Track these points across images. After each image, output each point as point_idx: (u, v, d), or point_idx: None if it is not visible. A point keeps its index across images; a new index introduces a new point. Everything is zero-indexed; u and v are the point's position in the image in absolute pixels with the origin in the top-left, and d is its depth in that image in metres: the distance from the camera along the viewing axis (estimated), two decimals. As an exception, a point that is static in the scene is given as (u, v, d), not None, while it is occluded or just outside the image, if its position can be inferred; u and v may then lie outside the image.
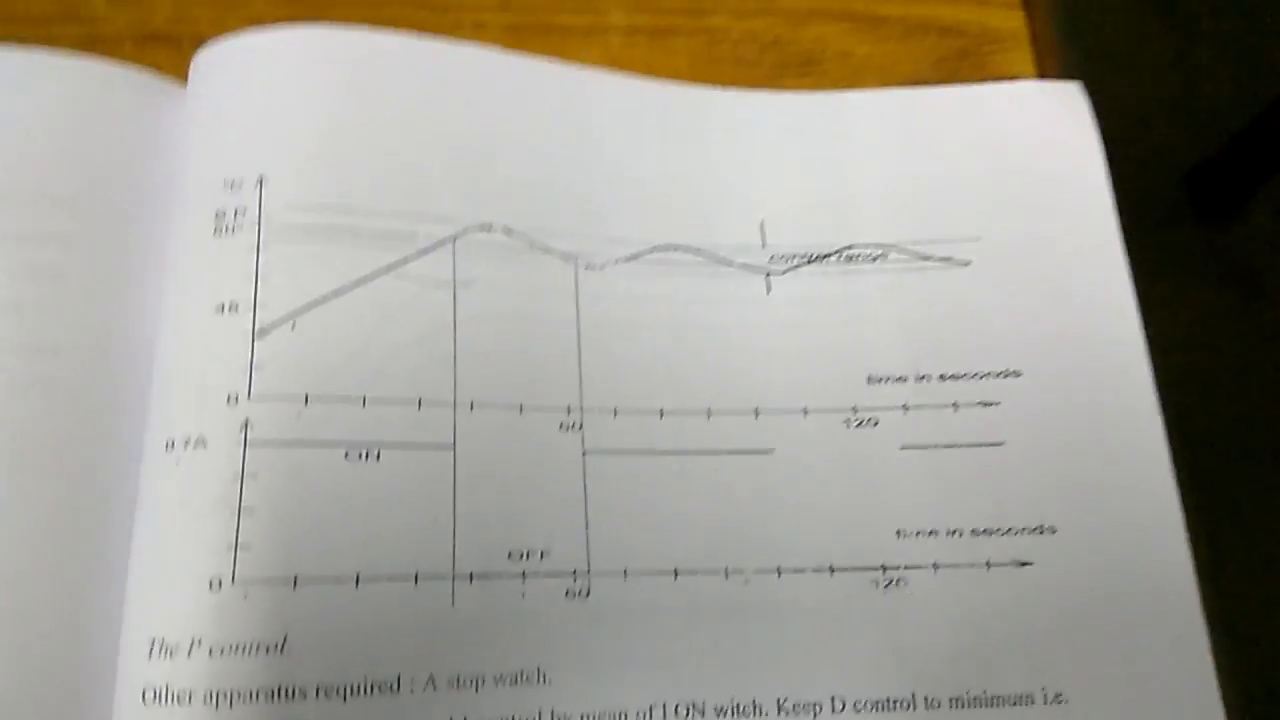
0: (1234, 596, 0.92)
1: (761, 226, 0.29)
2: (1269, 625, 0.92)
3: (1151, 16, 1.18)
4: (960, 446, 0.27)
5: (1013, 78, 0.31)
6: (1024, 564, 0.26)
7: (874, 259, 0.29)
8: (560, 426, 0.26)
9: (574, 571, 0.25)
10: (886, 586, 0.26)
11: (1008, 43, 0.31)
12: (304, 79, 0.28)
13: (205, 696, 0.22)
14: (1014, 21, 0.31)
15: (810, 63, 0.31)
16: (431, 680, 0.23)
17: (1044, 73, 0.31)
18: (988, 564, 0.26)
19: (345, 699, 0.23)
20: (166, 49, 0.30)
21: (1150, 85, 1.15)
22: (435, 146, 0.28)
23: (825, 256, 0.29)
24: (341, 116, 0.28)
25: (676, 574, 0.25)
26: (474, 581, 0.24)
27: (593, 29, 0.31)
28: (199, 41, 0.30)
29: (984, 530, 0.26)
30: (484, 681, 0.23)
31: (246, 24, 0.31)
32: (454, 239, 0.27)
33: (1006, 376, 0.28)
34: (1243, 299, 1.07)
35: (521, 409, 0.26)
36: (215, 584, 0.23)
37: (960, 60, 0.31)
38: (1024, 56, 0.31)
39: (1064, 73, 0.31)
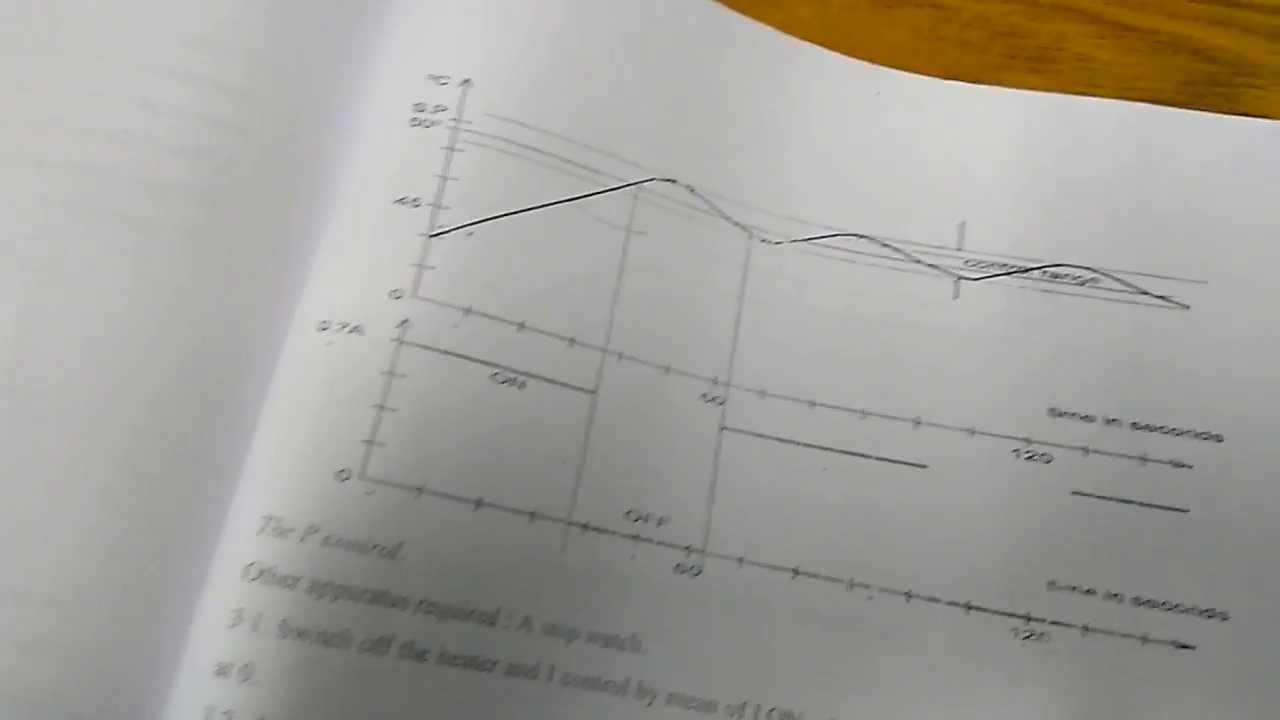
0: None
1: (961, 227, 0.27)
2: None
3: None
4: (1139, 504, 0.25)
5: (1263, 116, 0.28)
6: (1184, 646, 0.23)
7: (1082, 282, 0.26)
8: (703, 397, 0.25)
9: (688, 547, 0.24)
10: (1027, 638, 0.24)
11: (1266, 78, 0.28)
12: None
13: (310, 586, 0.21)
14: (1276, 57, 0.28)
15: (1043, 59, 0.29)
16: (528, 621, 0.23)
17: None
18: (1144, 638, 0.23)
19: (443, 619, 0.22)
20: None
21: None
22: (639, 88, 0.27)
23: (1027, 270, 0.27)
24: (555, 38, 0.27)
25: (796, 573, 0.24)
26: (586, 532, 0.23)
27: (816, -9, 0.30)
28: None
29: (1146, 601, 0.24)
30: (578, 635, 0.23)
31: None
32: (637, 185, 0.26)
33: (1207, 439, 0.25)
34: None
35: (668, 370, 0.25)
36: (342, 475, 0.22)
37: (1208, 86, 0.28)
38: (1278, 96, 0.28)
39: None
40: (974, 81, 0.29)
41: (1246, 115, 0.28)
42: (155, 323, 0.23)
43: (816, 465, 0.25)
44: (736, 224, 0.27)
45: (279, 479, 0.23)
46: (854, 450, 0.25)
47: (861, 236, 0.27)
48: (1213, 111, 0.28)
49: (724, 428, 0.25)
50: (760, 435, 0.25)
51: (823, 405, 0.25)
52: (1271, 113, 0.28)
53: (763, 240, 0.27)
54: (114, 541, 0.22)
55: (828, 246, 0.27)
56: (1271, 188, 0.27)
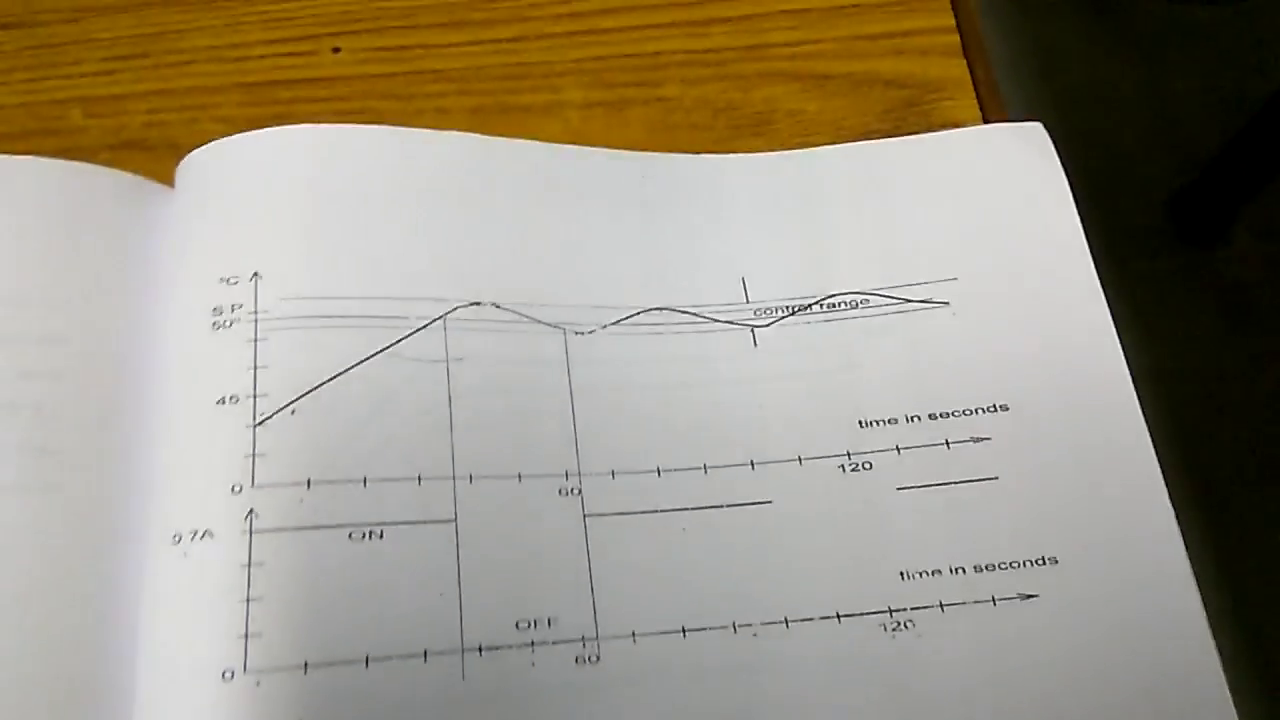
0: (1240, 615, 0.91)
1: (743, 282, 0.30)
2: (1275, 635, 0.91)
3: (1121, 50, 1.20)
4: (955, 483, 0.27)
5: (959, 124, 0.32)
6: (1029, 596, 0.26)
7: (855, 305, 0.29)
8: (559, 492, 0.27)
9: (582, 638, 0.25)
10: (894, 630, 0.26)
11: (951, 90, 0.32)
12: (290, 177, 0.29)
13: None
14: (955, 70, 0.32)
15: (762, 123, 0.32)
16: None
17: (990, 117, 0.32)
18: (993, 599, 0.26)
19: None
20: (142, 155, 0.32)
21: (1126, 118, 1.17)
22: (419, 232, 0.29)
23: (807, 307, 0.29)
24: (327, 211, 0.28)
25: (685, 632, 0.25)
26: (483, 654, 0.24)
27: (551, 106, 0.33)
28: (173, 146, 0.31)
29: (986, 566, 0.26)
30: None
31: (218, 125, 0.32)
32: (444, 317, 0.28)
33: (995, 411, 0.28)
34: (1231, 320, 1.07)
35: (520, 478, 0.27)
36: (228, 675, 0.23)
37: (907, 110, 0.32)
38: (968, 103, 0.32)
39: (1012, 115, 0.32)
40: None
41: (944, 127, 0.32)
42: (8, 585, 0.24)
43: (676, 527, 0.27)
44: (548, 325, 0.28)
45: (169, 692, 0.23)
46: (705, 504, 0.27)
47: (661, 309, 0.29)
48: (916, 130, 0.32)
49: (586, 515, 0.26)
50: (621, 513, 0.27)
51: (668, 470, 0.27)
52: (963, 118, 0.32)
53: (576, 333, 0.28)
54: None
55: (635, 325, 0.29)
56: (979, 183, 0.31)
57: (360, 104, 0.33)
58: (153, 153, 0.32)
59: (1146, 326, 1.06)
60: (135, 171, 0.30)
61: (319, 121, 0.32)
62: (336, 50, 0.33)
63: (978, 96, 0.32)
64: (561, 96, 0.33)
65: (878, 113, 0.32)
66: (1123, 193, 1.13)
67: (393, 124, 0.32)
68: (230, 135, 0.29)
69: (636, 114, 0.33)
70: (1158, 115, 1.17)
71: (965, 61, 0.32)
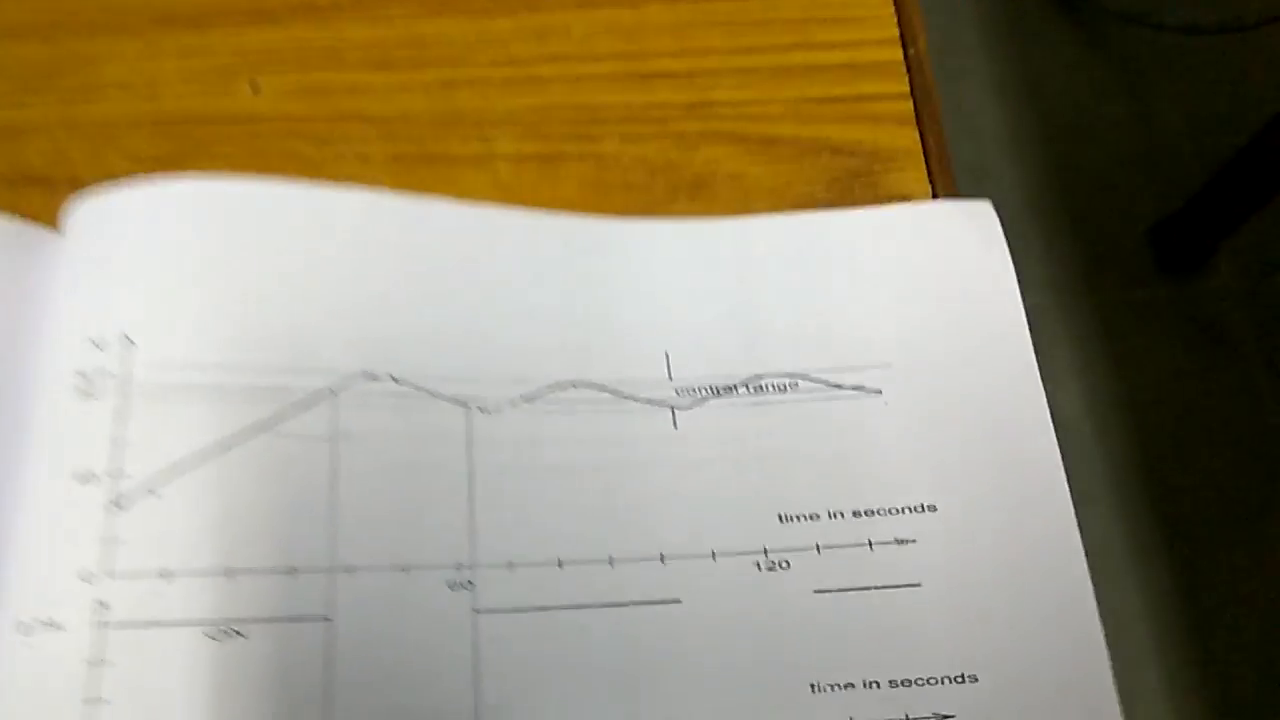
0: (1214, 649, 0.91)
1: (667, 357, 0.28)
2: (1243, 669, 0.91)
3: (1109, 78, 1.19)
4: (876, 589, 0.26)
5: (906, 196, 0.30)
6: (945, 717, 0.24)
7: (783, 389, 0.28)
8: (449, 585, 0.25)
9: None
10: None
11: (901, 160, 0.31)
12: (177, 233, 0.27)
13: None
14: (906, 139, 0.31)
15: (701, 185, 0.31)
16: None
17: (939, 190, 0.30)
18: (906, 718, 0.24)
19: None
20: (41, 191, 0.30)
21: (1112, 144, 1.16)
22: (316, 296, 0.27)
23: (733, 388, 0.28)
24: (216, 270, 0.27)
25: None
26: None
27: (480, 157, 0.31)
28: (75, 183, 0.29)
29: (902, 681, 0.25)
30: None
31: (124, 161, 0.30)
32: (335, 391, 0.26)
33: (922, 511, 0.26)
34: (1209, 353, 1.06)
35: (407, 569, 0.25)
36: None
37: (853, 179, 0.30)
38: (918, 175, 0.30)
39: (957, 187, 0.30)
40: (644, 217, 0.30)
41: (891, 199, 0.30)
42: None
43: (575, 626, 0.25)
44: (450, 400, 0.27)
45: None
46: (608, 601, 0.25)
47: (575, 384, 0.27)
48: (861, 201, 0.30)
49: (476, 610, 0.25)
50: (515, 610, 0.25)
51: (571, 563, 0.26)
52: (911, 191, 0.30)
53: (480, 410, 0.27)
54: None
55: (547, 402, 0.27)
56: (923, 263, 0.29)
57: (278, 144, 0.31)
58: (53, 191, 0.30)
59: (1120, 355, 1.06)
60: (31, 210, 0.28)
61: (231, 163, 0.30)
62: (256, 89, 0.32)
63: (928, 168, 0.30)
64: (492, 147, 0.31)
65: (824, 181, 0.30)
66: (1105, 220, 1.12)
67: (310, 169, 0.30)
68: (135, 173, 0.27)
69: (570, 170, 0.31)
70: (1143, 144, 1.16)
71: (917, 131, 0.31)
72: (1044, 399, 0.28)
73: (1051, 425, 0.27)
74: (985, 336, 0.28)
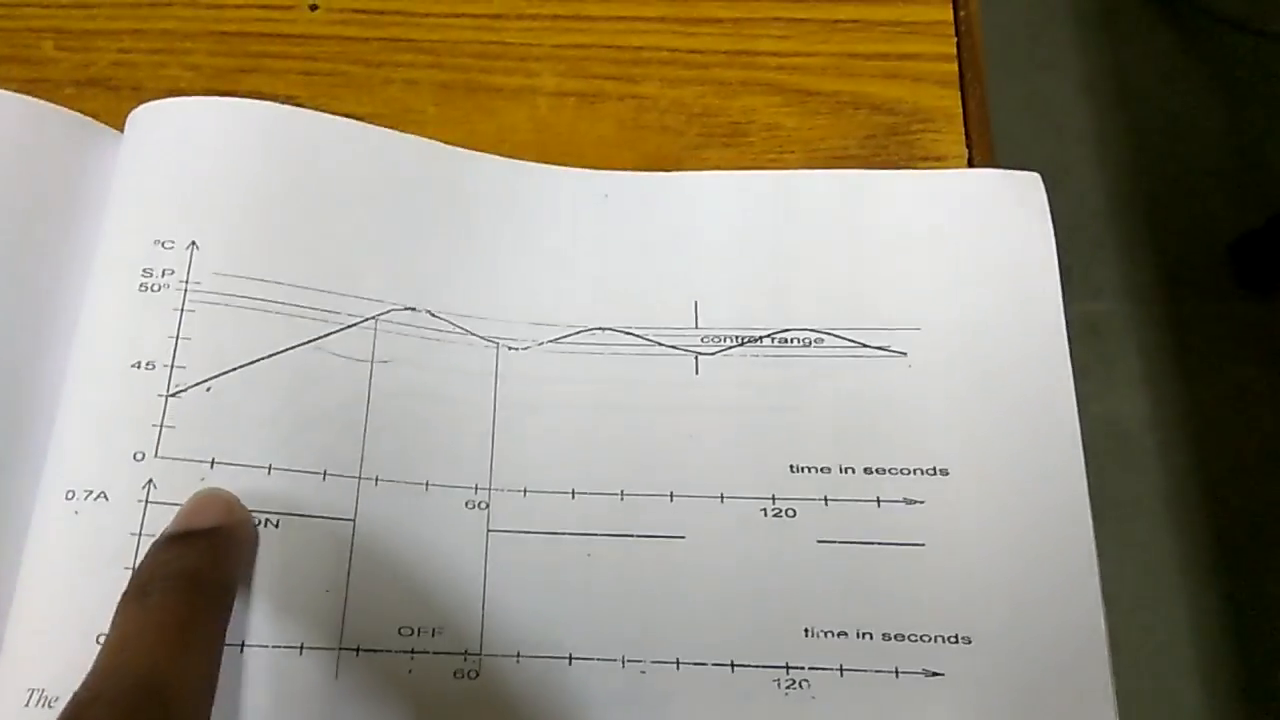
0: (1257, 669, 0.88)
1: (695, 306, 0.28)
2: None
3: (1204, 84, 1.15)
4: (879, 544, 0.26)
5: (940, 158, 0.30)
6: (934, 674, 0.25)
7: (808, 344, 0.28)
8: (466, 505, 0.26)
9: (465, 652, 0.25)
10: (789, 688, 0.25)
11: (939, 122, 0.30)
12: (240, 152, 0.28)
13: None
14: (947, 100, 0.30)
15: (735, 134, 0.31)
16: None
17: (976, 155, 0.30)
18: (896, 671, 0.25)
19: None
20: (106, 94, 0.31)
21: (1200, 153, 1.12)
22: (365, 229, 0.28)
23: (758, 339, 0.28)
24: (274, 191, 0.28)
25: (571, 659, 0.25)
26: (360, 654, 0.24)
27: (522, 90, 0.32)
28: (139, 89, 0.30)
29: (895, 635, 0.25)
30: None
31: (185, 71, 0.31)
32: (376, 319, 0.27)
33: (934, 474, 0.27)
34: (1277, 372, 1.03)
35: (427, 486, 0.26)
36: (102, 640, 0.22)
37: (889, 137, 0.30)
38: (955, 138, 0.30)
39: (994, 158, 0.30)
40: (676, 161, 0.30)
41: (926, 160, 0.30)
42: None
43: (581, 552, 0.26)
44: (482, 338, 0.28)
45: (40, 650, 0.23)
46: (615, 532, 0.26)
47: (604, 329, 0.28)
48: (895, 159, 0.30)
49: (490, 530, 0.26)
50: (526, 532, 0.26)
51: (583, 494, 0.26)
52: (947, 153, 0.30)
53: (510, 349, 0.28)
54: None
55: (574, 343, 0.28)
56: (963, 231, 0.29)
57: (329, 65, 0.32)
58: (117, 93, 0.31)
59: (1190, 369, 1.03)
60: (95, 111, 0.29)
61: (285, 81, 0.31)
62: (314, 8, 0.33)
63: (966, 133, 0.30)
64: (535, 81, 0.32)
65: (859, 137, 0.30)
66: (1186, 230, 1.09)
67: (359, 92, 0.31)
68: (194, 86, 0.29)
69: (609, 109, 0.31)
70: (1233, 156, 1.12)
71: (959, 94, 0.30)
72: (1070, 379, 0.27)
73: (1075, 405, 0.27)
74: (1019, 311, 0.28)
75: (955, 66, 0.31)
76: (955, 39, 0.31)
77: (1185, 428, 1.00)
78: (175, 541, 0.23)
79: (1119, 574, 0.94)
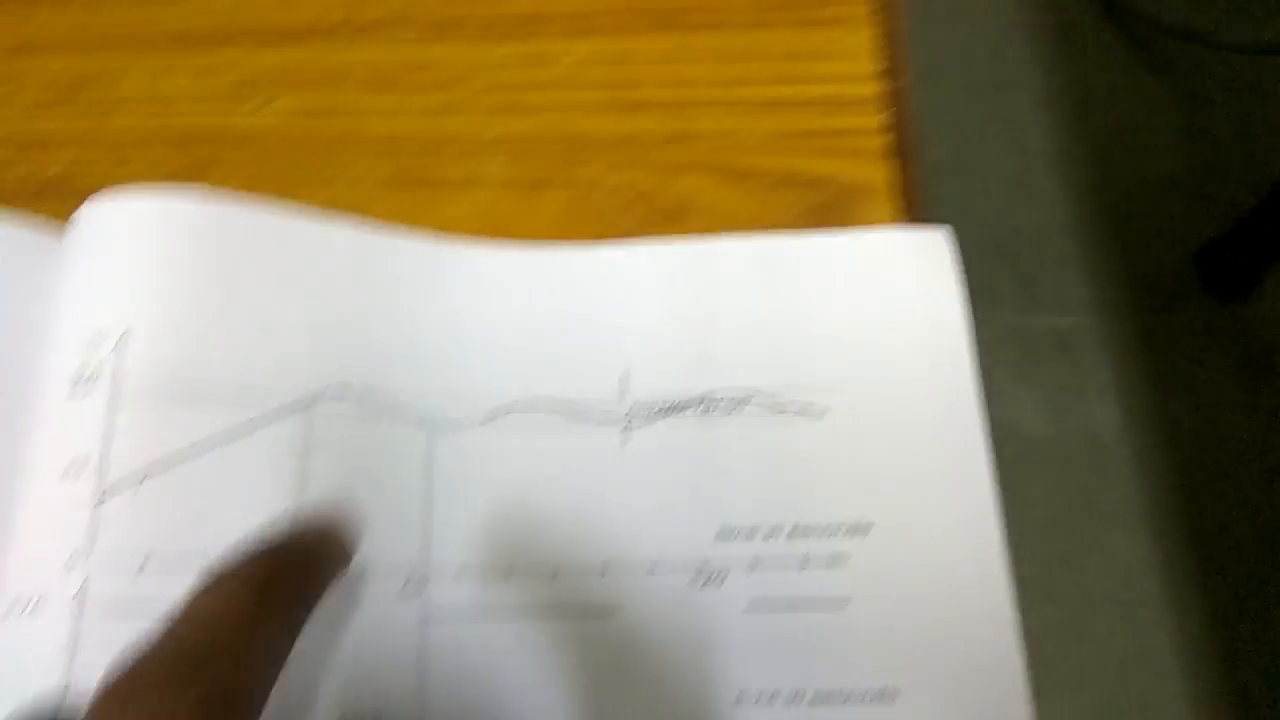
0: (1243, 679, 0.89)
1: (623, 377, 0.29)
2: (1274, 701, 0.89)
3: (1161, 95, 1.17)
4: (806, 603, 0.27)
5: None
6: None
7: (731, 409, 0.29)
8: (403, 588, 0.27)
9: None
10: None
11: (874, 195, 0.31)
12: (174, 240, 0.29)
13: None
14: (881, 174, 0.31)
15: (676, 215, 0.32)
16: None
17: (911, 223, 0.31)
18: None
19: None
20: (62, 201, 0.32)
21: (1161, 163, 1.14)
22: (295, 315, 0.29)
23: (683, 407, 0.29)
24: (207, 280, 0.28)
25: None
26: None
27: (467, 181, 0.32)
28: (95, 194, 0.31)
29: (825, 695, 0.26)
30: None
31: (141, 176, 0.32)
32: (307, 403, 0.28)
33: (856, 532, 0.27)
34: (1252, 379, 1.04)
35: (361, 574, 0.26)
36: None
37: (825, 212, 0.31)
38: (891, 209, 0.31)
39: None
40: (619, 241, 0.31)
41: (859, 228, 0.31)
42: None
43: (515, 633, 0.26)
44: (415, 419, 0.28)
45: None
46: (549, 610, 0.27)
47: (533, 403, 0.29)
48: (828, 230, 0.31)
49: (425, 617, 0.27)
50: (459, 617, 0.27)
51: (517, 573, 0.27)
52: (880, 222, 0.31)
53: (439, 427, 0.28)
54: None
55: (505, 420, 0.29)
56: (874, 288, 0.30)
57: (282, 160, 0.33)
58: (75, 199, 0.32)
59: (1161, 378, 1.04)
60: (52, 218, 0.30)
61: (239, 178, 0.32)
62: (264, 106, 0.33)
63: (906, 202, 0.31)
64: (479, 173, 0.33)
65: (796, 212, 0.31)
66: (1151, 240, 1.11)
67: (309, 187, 0.32)
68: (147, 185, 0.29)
69: (552, 196, 0.32)
70: (1193, 165, 1.14)
71: (894, 165, 0.31)
72: (982, 423, 0.28)
73: (985, 452, 0.28)
74: (930, 364, 0.29)
75: (889, 139, 0.32)
76: (889, 112, 0.32)
77: (1160, 437, 1.01)
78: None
79: (1099, 584, 0.95)
